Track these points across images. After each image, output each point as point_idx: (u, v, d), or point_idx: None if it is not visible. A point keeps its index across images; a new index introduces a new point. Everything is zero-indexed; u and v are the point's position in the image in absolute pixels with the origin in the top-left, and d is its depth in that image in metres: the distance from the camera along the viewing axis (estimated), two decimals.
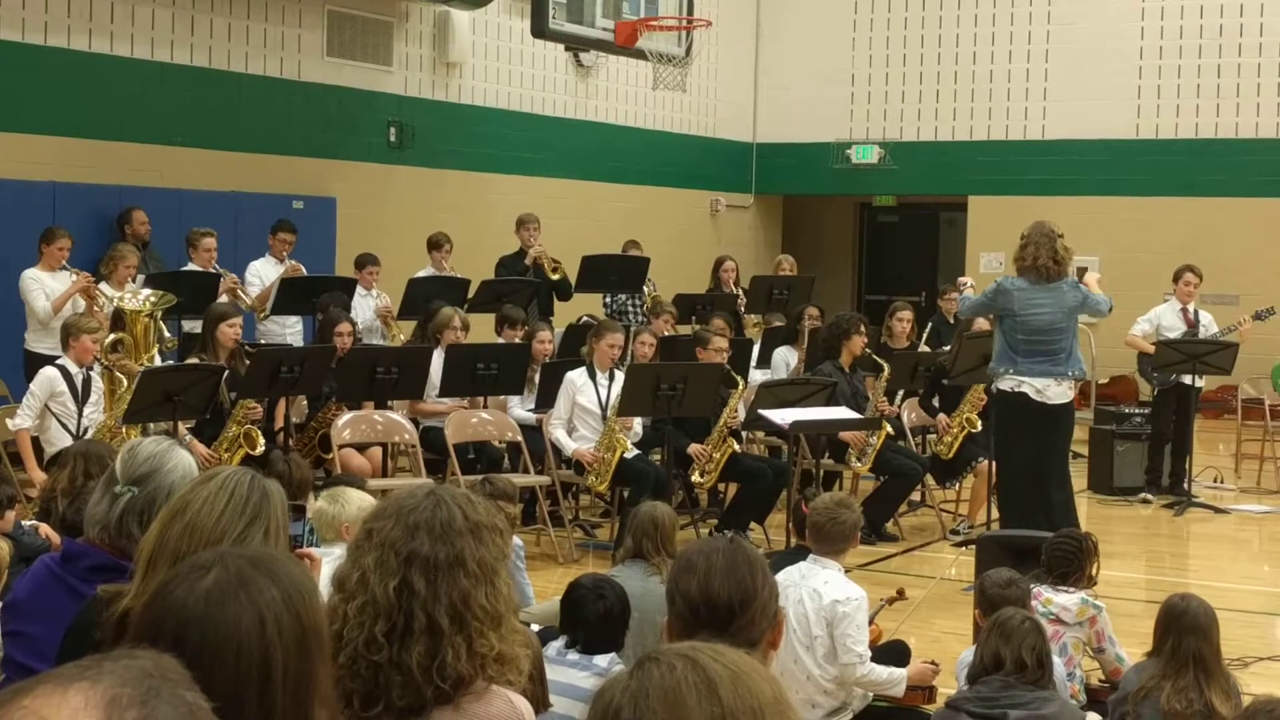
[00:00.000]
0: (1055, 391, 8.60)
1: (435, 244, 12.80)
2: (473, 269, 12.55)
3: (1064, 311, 8.62)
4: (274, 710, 1.84)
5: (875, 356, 10.56)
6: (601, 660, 4.90)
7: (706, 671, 1.66)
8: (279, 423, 9.49)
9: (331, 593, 2.69)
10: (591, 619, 5.00)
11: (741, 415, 9.95)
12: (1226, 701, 4.83)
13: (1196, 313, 12.38)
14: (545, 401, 10.14)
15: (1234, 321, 12.46)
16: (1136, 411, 12.59)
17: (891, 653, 6.12)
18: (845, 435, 10.19)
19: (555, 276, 12.86)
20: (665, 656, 1.68)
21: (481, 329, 11.51)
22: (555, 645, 4.97)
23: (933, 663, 6.06)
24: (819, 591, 5.64)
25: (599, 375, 9.82)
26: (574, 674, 4.81)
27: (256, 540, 2.79)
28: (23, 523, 6.21)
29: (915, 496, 11.04)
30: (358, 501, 5.40)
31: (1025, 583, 5.64)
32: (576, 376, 9.83)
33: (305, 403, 9.95)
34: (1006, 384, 8.66)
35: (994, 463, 9.17)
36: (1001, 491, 8.95)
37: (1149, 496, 11.88)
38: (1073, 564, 6.12)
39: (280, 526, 2.87)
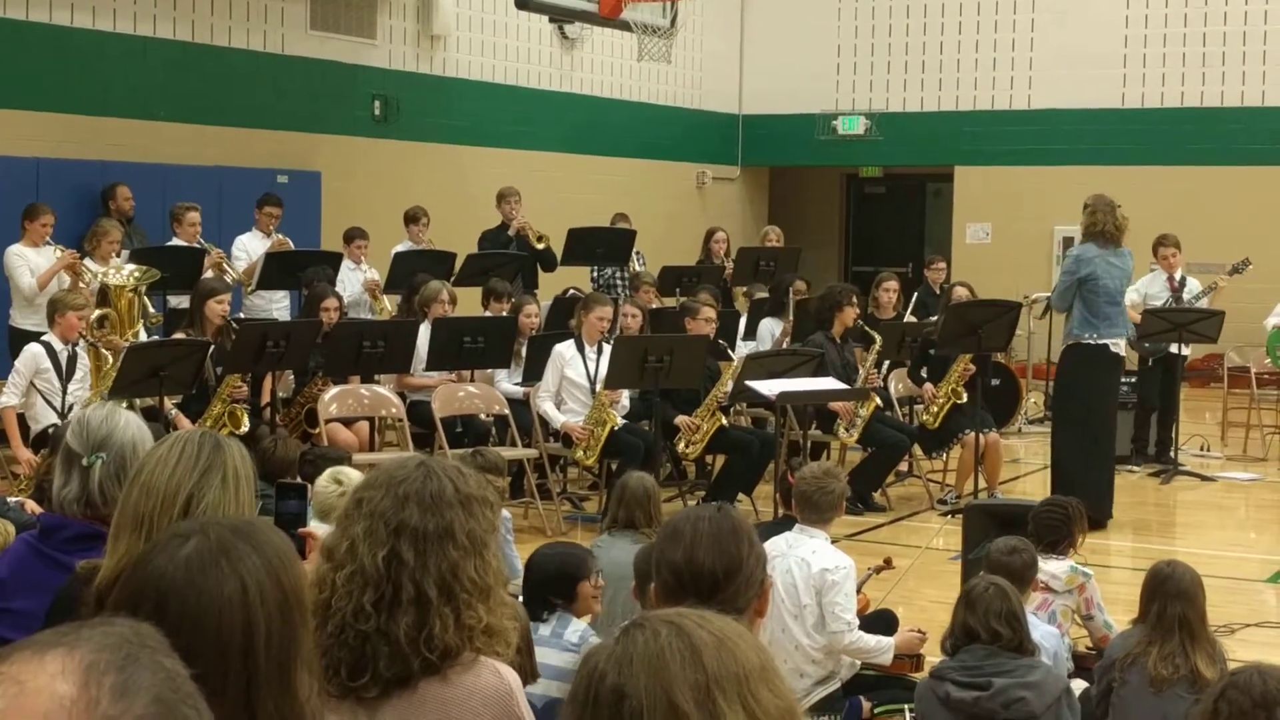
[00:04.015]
0: (1121, 345, 9.70)
1: (413, 217, 12.75)
2: (458, 243, 12.50)
3: (1126, 276, 9.54)
4: (257, 676, 1.84)
5: (867, 329, 10.56)
6: (573, 635, 4.91)
7: (691, 638, 1.65)
8: (265, 397, 9.47)
9: (320, 561, 2.68)
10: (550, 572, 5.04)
11: (729, 387, 9.94)
12: (1211, 666, 4.85)
13: (1183, 279, 12.38)
14: (532, 375, 10.13)
15: (1212, 281, 12.45)
16: (1123, 380, 12.59)
17: (879, 622, 6.14)
18: (835, 406, 10.20)
19: (540, 246, 12.81)
20: (650, 622, 1.68)
21: (468, 302, 11.49)
22: None
23: (920, 631, 6.08)
24: (807, 560, 5.65)
25: (587, 348, 9.80)
26: (544, 651, 4.81)
27: (215, 488, 2.81)
28: (8, 499, 6.20)
29: (902, 467, 11.06)
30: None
31: (1030, 551, 5.62)
32: (565, 349, 9.82)
33: (291, 377, 9.93)
34: (1088, 338, 9.42)
35: (1057, 422, 9.97)
36: (1072, 447, 9.55)
37: (1135, 465, 11.92)
38: (1061, 532, 6.10)
39: (241, 475, 2.89)
